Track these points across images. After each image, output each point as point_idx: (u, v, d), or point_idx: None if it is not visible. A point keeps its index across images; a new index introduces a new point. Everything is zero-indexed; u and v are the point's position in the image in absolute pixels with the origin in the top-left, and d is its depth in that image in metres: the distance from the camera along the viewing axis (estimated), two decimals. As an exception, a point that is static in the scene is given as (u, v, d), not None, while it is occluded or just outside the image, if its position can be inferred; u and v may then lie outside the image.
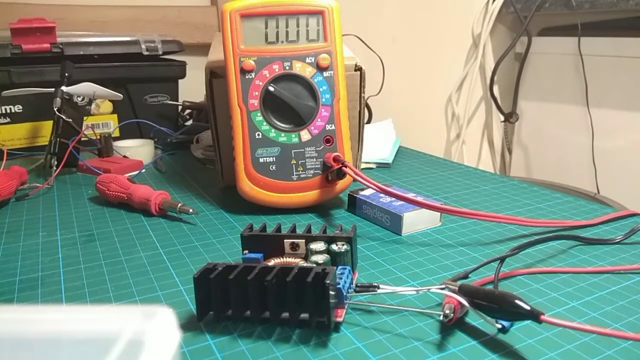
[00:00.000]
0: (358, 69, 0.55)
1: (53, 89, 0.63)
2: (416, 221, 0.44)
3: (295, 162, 0.48)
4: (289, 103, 0.48)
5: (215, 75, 0.52)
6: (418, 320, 0.31)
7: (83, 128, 0.63)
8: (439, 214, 0.46)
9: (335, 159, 0.48)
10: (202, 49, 0.92)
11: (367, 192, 0.49)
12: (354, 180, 0.47)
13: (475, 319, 0.30)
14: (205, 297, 0.30)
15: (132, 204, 0.50)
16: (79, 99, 0.72)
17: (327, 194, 0.49)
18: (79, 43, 0.73)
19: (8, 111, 0.70)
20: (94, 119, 0.74)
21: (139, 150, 0.69)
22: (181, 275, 0.37)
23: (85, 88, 0.65)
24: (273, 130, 0.48)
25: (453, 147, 1.28)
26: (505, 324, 0.29)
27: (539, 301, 0.33)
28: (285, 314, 0.29)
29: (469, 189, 0.56)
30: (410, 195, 0.43)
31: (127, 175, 0.60)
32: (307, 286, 0.28)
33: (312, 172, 0.49)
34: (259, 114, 0.48)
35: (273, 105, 0.48)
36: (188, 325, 0.30)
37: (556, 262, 0.38)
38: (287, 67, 0.48)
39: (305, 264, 0.33)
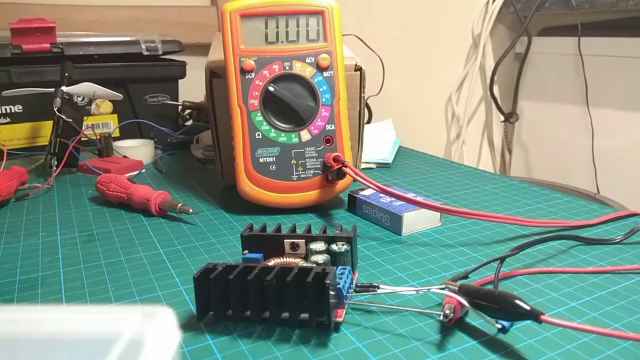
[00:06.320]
0: (358, 69, 0.55)
1: (53, 89, 0.63)
2: (416, 221, 0.44)
3: (295, 162, 0.48)
4: (289, 103, 0.48)
5: (215, 75, 0.52)
6: (418, 320, 0.31)
7: (83, 128, 0.63)
8: (439, 214, 0.46)
9: (335, 159, 0.48)
10: (202, 49, 0.92)
11: (367, 192, 0.49)
12: (354, 180, 0.47)
13: (475, 319, 0.30)
14: (205, 297, 0.30)
15: (132, 204, 0.50)
16: (79, 99, 0.72)
17: (327, 194, 0.49)
18: (79, 43, 0.73)
19: (8, 111, 0.70)
20: (94, 119, 0.74)
21: (139, 150, 0.69)
22: (181, 275, 0.37)
23: (85, 88, 0.65)
24: (273, 130, 0.48)
25: (453, 147, 1.28)
26: (505, 324, 0.29)
27: (539, 301, 0.33)
28: (285, 314, 0.29)
29: (469, 189, 0.56)
30: (410, 195, 0.43)
31: (127, 175, 0.60)
32: (307, 286, 0.28)
33: (312, 172, 0.49)
34: (259, 114, 0.48)
35: (273, 105, 0.48)
36: (188, 325, 0.30)
37: (556, 262, 0.38)
38: (287, 67, 0.48)
39: (305, 264, 0.33)
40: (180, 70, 0.80)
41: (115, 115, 0.76)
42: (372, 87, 1.03)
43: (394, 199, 0.45)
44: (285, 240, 0.35)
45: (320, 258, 0.33)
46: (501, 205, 0.51)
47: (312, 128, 0.49)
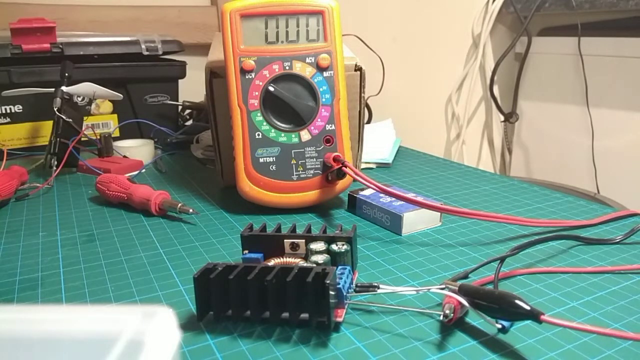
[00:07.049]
0: (358, 69, 0.55)
1: (53, 89, 0.63)
2: (416, 221, 0.44)
3: (295, 162, 0.48)
4: (289, 103, 0.48)
5: (215, 75, 0.52)
6: (418, 320, 0.31)
7: (83, 128, 0.63)
8: (439, 214, 0.46)
9: (335, 159, 0.48)
10: (202, 49, 0.92)
11: (367, 192, 0.49)
12: (354, 180, 0.47)
13: (475, 319, 0.30)
14: (205, 297, 0.30)
15: (132, 204, 0.50)
16: (79, 99, 0.72)
17: (327, 194, 0.49)
18: (79, 43, 0.73)
19: (8, 111, 0.69)
20: (94, 119, 0.74)
21: (139, 150, 0.69)
22: (181, 275, 0.37)
23: (85, 88, 0.65)
24: (273, 130, 0.48)
25: (453, 147, 1.28)
26: (505, 324, 0.29)
27: (539, 301, 0.33)
28: (285, 314, 0.29)
29: (469, 189, 0.56)
30: (410, 195, 0.43)
31: (127, 175, 0.60)
32: (307, 286, 0.28)
33: (312, 172, 0.49)
34: (259, 114, 0.48)
35: (273, 105, 0.48)
36: (188, 325, 0.30)
37: (556, 262, 0.38)
38: (287, 67, 0.48)
39: (305, 264, 0.33)
40: (180, 70, 0.80)
41: (115, 115, 0.76)
42: (372, 87, 1.03)
43: (394, 199, 0.45)
44: (285, 240, 0.35)
45: (320, 258, 0.33)
46: (501, 205, 0.51)
47: (312, 128, 0.49)
